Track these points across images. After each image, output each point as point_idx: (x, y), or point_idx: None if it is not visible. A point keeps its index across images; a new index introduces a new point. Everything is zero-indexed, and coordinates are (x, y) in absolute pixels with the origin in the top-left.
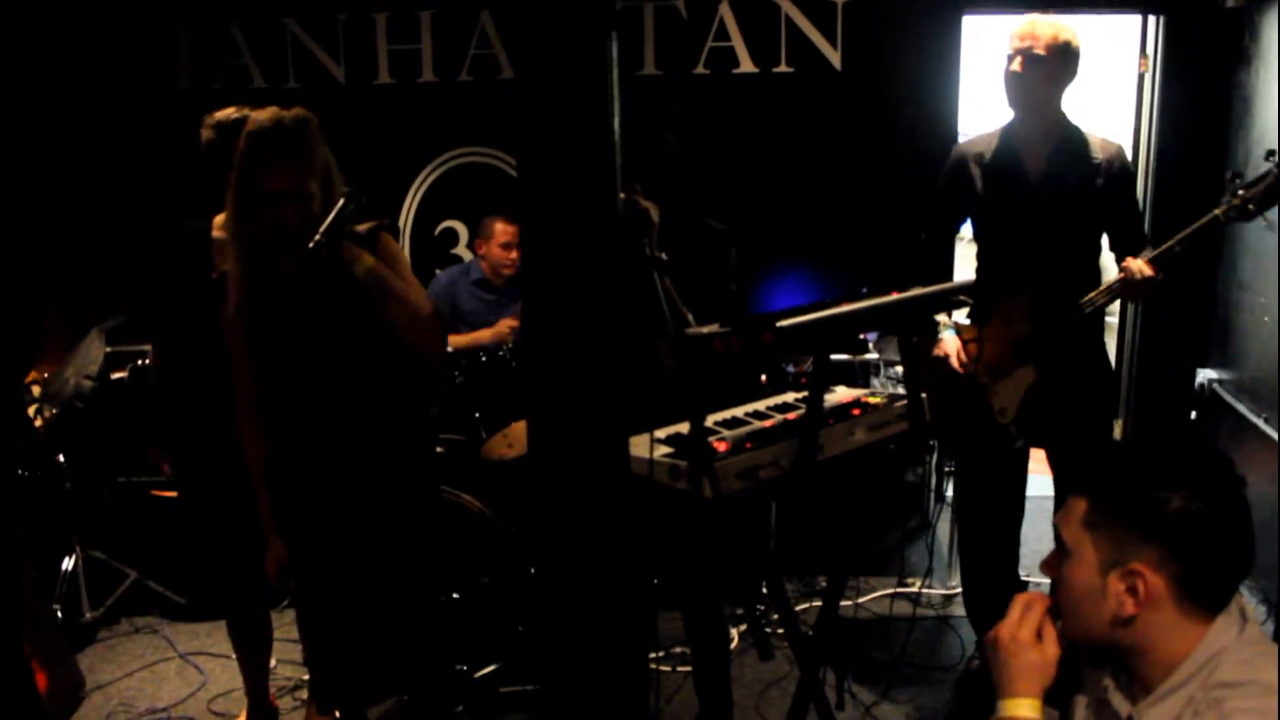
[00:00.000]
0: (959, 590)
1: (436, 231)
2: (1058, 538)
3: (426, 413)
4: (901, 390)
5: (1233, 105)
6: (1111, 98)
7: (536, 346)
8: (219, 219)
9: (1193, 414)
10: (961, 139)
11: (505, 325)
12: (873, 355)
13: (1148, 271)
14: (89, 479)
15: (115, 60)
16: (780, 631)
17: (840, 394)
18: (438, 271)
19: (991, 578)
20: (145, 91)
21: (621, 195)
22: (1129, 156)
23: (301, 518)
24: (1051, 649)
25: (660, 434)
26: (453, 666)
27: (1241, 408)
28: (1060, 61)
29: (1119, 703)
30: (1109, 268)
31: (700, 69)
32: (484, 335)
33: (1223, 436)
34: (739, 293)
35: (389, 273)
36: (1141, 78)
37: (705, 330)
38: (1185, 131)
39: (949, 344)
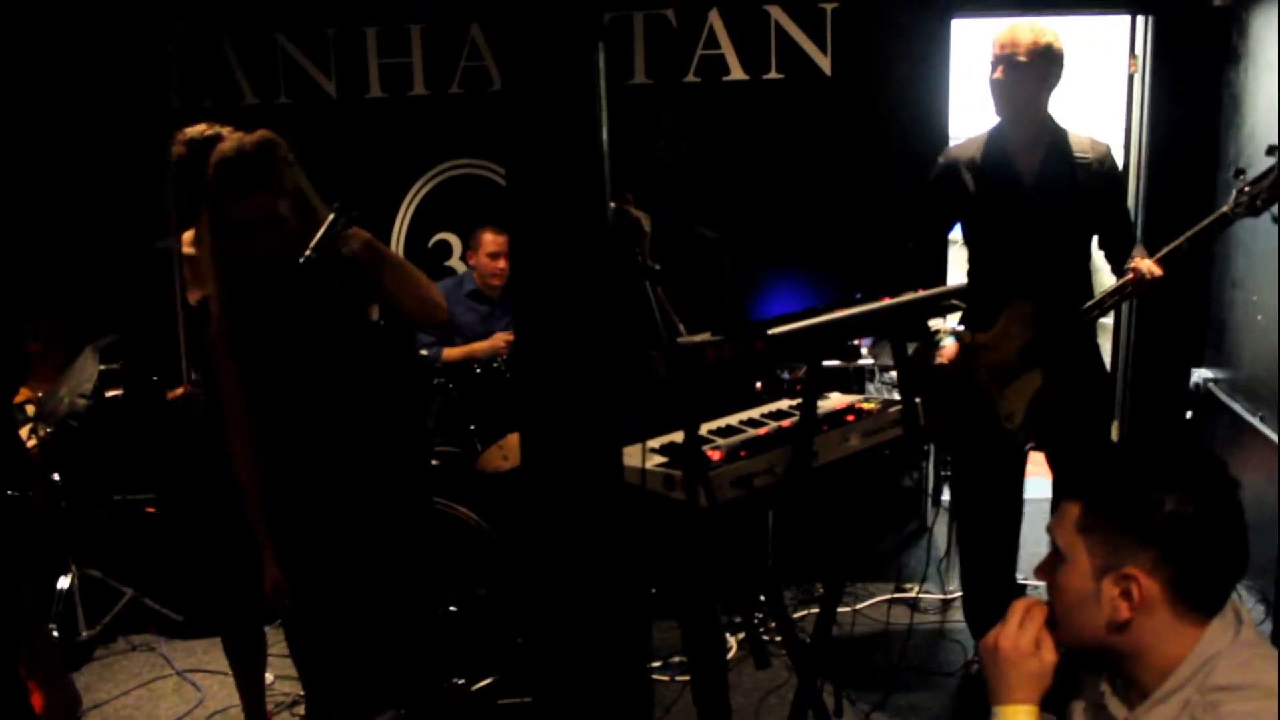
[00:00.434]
0: (957, 595)
1: (430, 244)
2: (1052, 543)
3: (422, 425)
4: (896, 395)
5: (1222, 104)
6: (1101, 99)
7: (528, 357)
8: (188, 235)
9: (1188, 414)
10: (951, 143)
11: (501, 339)
12: (867, 361)
13: (1157, 271)
14: (84, 497)
15: (107, 78)
16: (778, 639)
17: (834, 400)
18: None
19: (990, 582)
20: (136, 109)
21: (612, 205)
22: (1119, 157)
23: (297, 533)
24: (1049, 655)
25: (654, 443)
26: (450, 679)
27: (1237, 407)
28: (1043, 65)
29: (1115, 708)
30: (1100, 269)
31: (691, 77)
32: (479, 348)
33: (1218, 436)
34: (732, 300)
35: (381, 245)
36: (1131, 78)
37: (697, 339)
38: (1176, 131)
39: (951, 351)
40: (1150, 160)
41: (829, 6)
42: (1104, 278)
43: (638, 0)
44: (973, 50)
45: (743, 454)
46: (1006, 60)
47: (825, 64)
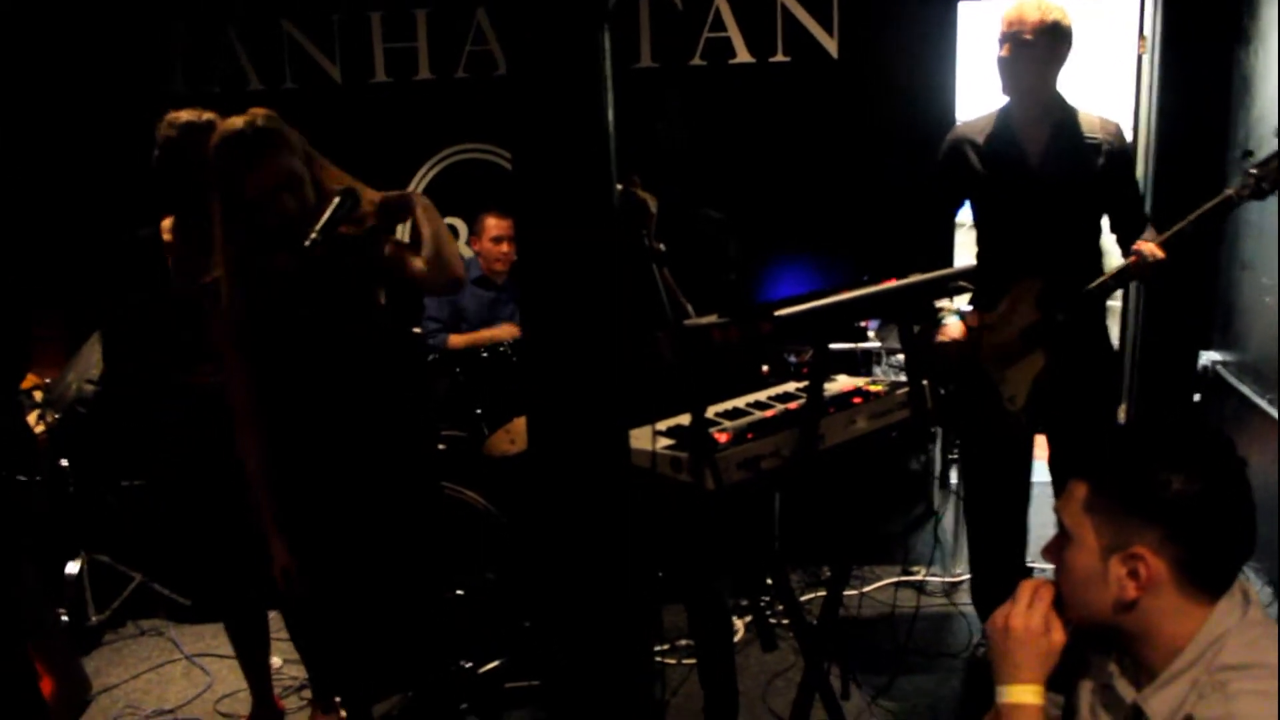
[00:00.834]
0: (964, 578)
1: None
2: (1059, 523)
3: (429, 406)
4: (903, 378)
5: (1232, 85)
6: (1111, 79)
7: (535, 341)
8: (167, 223)
9: (1196, 396)
10: (959, 122)
11: (507, 331)
12: (874, 343)
13: (1159, 254)
14: (92, 483)
15: (112, 64)
16: (785, 622)
17: (841, 382)
18: None
19: (998, 564)
20: (142, 95)
21: (619, 187)
22: (1128, 137)
23: (305, 518)
24: (1057, 635)
25: (661, 426)
26: (457, 663)
27: (1245, 389)
28: (1050, 43)
29: (1124, 688)
30: (1110, 250)
31: (697, 60)
32: (484, 337)
33: (1226, 418)
34: (738, 282)
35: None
36: (1140, 59)
37: (704, 321)
38: (1185, 112)
39: (954, 329)
40: (1159, 141)
41: None
42: (1114, 259)
43: None
44: (980, 33)
45: (749, 436)
46: (1013, 38)
47: (832, 46)
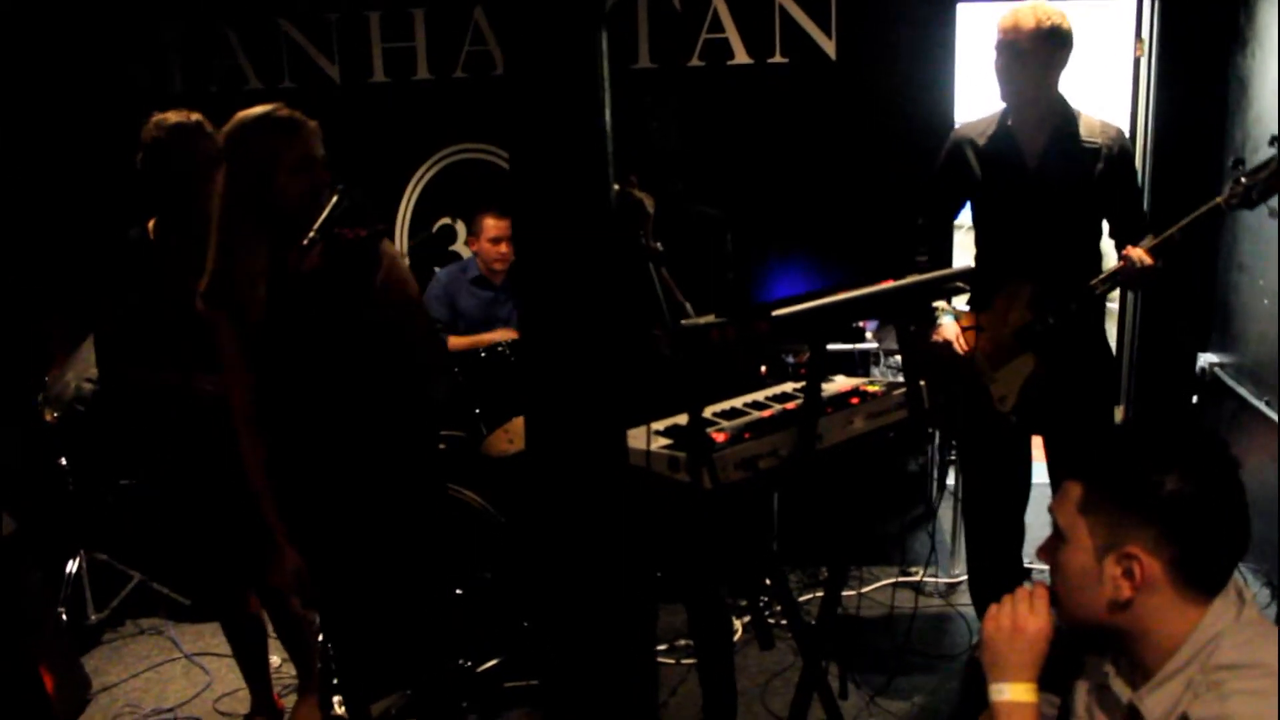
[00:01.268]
0: (962, 579)
1: (434, 229)
2: (1054, 523)
3: (430, 406)
4: (901, 379)
5: (1229, 88)
6: (1108, 82)
7: (532, 341)
8: (152, 223)
9: (1194, 398)
10: (961, 122)
11: (505, 335)
12: (872, 344)
13: (1148, 260)
14: (91, 481)
15: (111, 63)
16: (783, 622)
17: (839, 383)
18: (436, 270)
19: (997, 564)
20: (140, 94)
21: (615, 187)
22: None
23: (306, 517)
24: (1047, 634)
25: (658, 425)
26: (456, 662)
27: (1243, 391)
28: (1048, 48)
29: (1120, 688)
30: (1109, 253)
31: (695, 61)
32: (482, 340)
33: (1224, 420)
34: (736, 280)
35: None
36: (1137, 62)
37: (702, 321)
38: (1182, 115)
39: (948, 329)
40: (1156, 144)
41: None
42: (1113, 263)
43: None
44: (978, 34)
45: (747, 436)
46: (1010, 47)
47: (830, 48)
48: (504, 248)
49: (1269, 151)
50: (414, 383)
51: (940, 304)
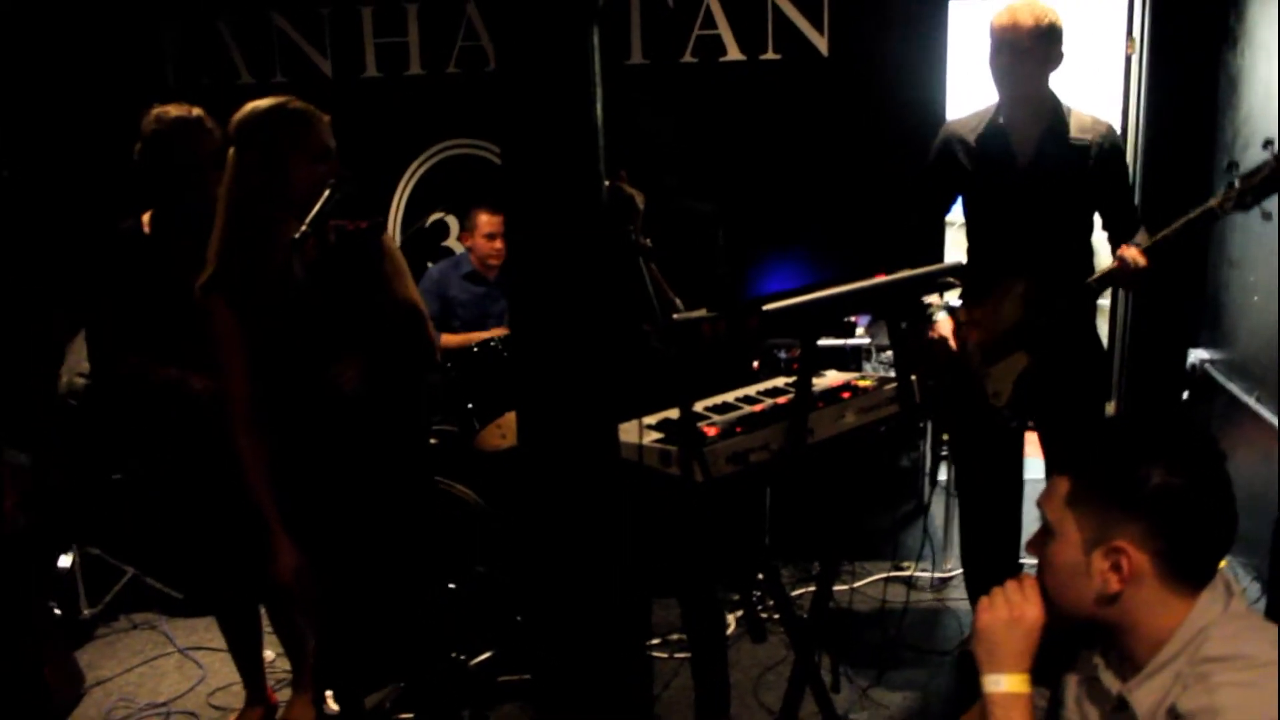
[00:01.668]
0: (954, 573)
1: (427, 224)
2: (1042, 517)
3: (421, 399)
4: (892, 374)
5: (1219, 86)
6: (1099, 80)
7: (524, 336)
8: (147, 216)
9: (1185, 394)
10: (952, 118)
11: (498, 333)
12: (864, 339)
13: (1142, 261)
14: (84, 476)
15: (103, 57)
16: (776, 617)
17: (830, 377)
18: (429, 265)
19: (992, 560)
20: (132, 89)
21: (606, 182)
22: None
23: (299, 509)
24: (1039, 624)
25: (650, 420)
26: (449, 656)
27: (1233, 387)
28: (1046, 45)
29: (1109, 680)
30: (1101, 249)
31: (688, 57)
32: (475, 338)
33: (1215, 416)
34: (727, 275)
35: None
36: (1128, 59)
37: (693, 315)
38: (1173, 113)
39: (943, 326)
40: (1147, 142)
41: None
42: (1104, 261)
43: None
44: (970, 31)
45: (738, 430)
46: (1010, 45)
47: (822, 45)
48: (500, 243)
49: (1260, 151)
50: (413, 373)
51: (933, 300)
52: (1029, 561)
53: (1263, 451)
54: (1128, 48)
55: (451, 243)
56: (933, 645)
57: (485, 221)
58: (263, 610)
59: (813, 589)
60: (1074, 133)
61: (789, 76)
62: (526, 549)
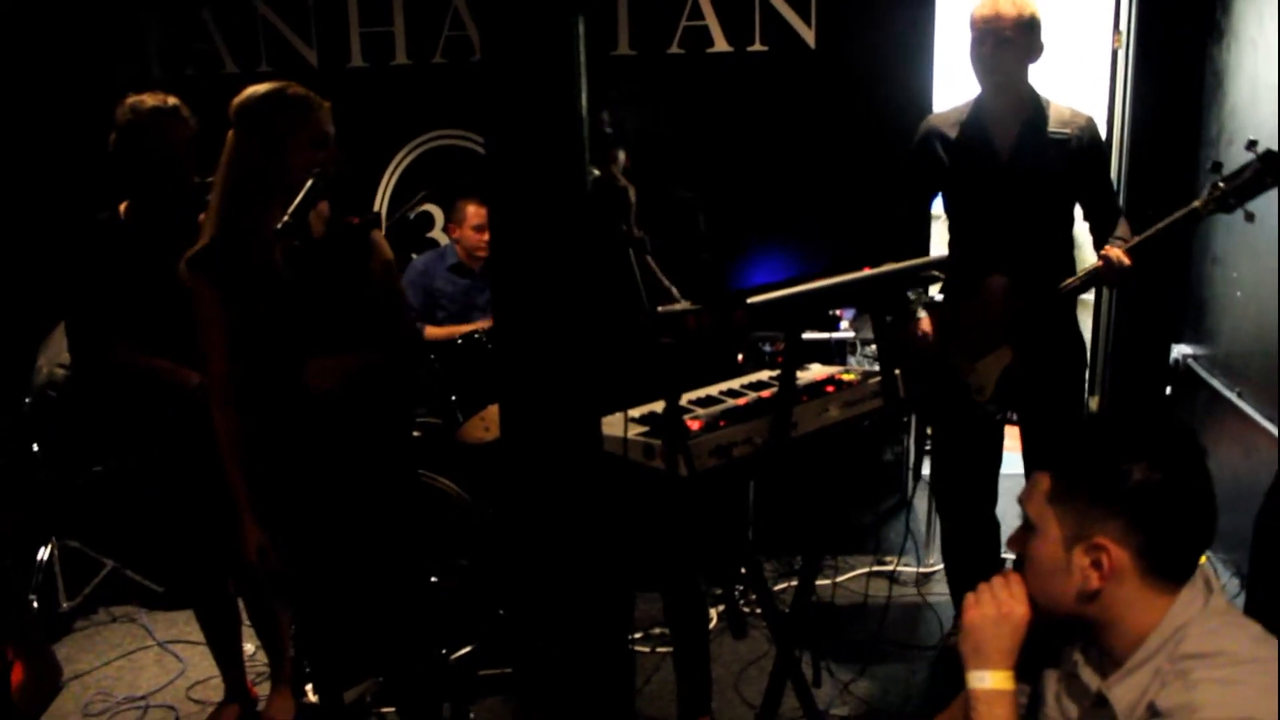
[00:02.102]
0: (936, 568)
1: (412, 215)
2: (1023, 514)
3: (405, 394)
4: (877, 367)
5: (1205, 81)
6: (1085, 74)
7: (508, 328)
8: (124, 206)
9: (1168, 390)
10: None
11: (481, 327)
12: (848, 333)
13: (1125, 261)
14: (64, 468)
15: (87, 47)
16: (758, 611)
17: (815, 371)
18: (414, 256)
19: (973, 554)
20: (116, 79)
21: (597, 173)
22: (1103, 131)
23: (280, 500)
24: (1025, 622)
25: (634, 413)
26: (430, 649)
27: (1216, 383)
28: (1028, 38)
29: (1088, 676)
30: (1082, 241)
31: (674, 49)
32: (460, 331)
33: (1197, 412)
34: (711, 261)
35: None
36: (1115, 54)
37: (678, 308)
38: (1159, 107)
39: (926, 321)
40: (1133, 136)
41: None
42: (1087, 253)
43: None
44: (957, 23)
45: (722, 424)
46: (993, 35)
47: (809, 36)
48: (488, 235)
49: (1245, 149)
50: (393, 371)
51: (916, 294)
52: (1010, 556)
53: (1244, 447)
54: (1115, 41)
55: (436, 234)
56: (915, 640)
57: (474, 213)
58: (241, 604)
59: (795, 583)
60: (1053, 126)
61: (776, 68)
62: (509, 542)
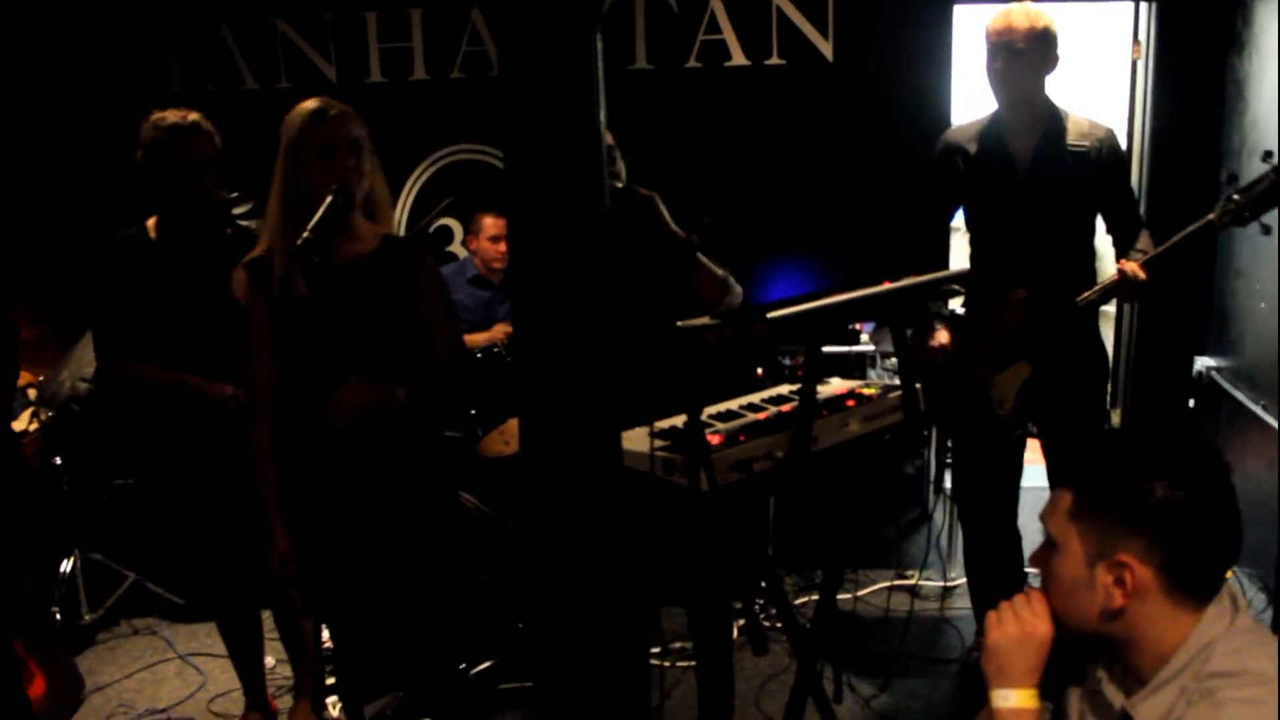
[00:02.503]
0: (958, 582)
1: (431, 229)
2: (1045, 532)
3: (442, 419)
4: (897, 381)
5: (1226, 91)
6: (1105, 85)
7: (527, 343)
8: (151, 222)
9: (1191, 402)
10: (951, 126)
11: (500, 331)
12: (869, 347)
13: (1141, 275)
14: (86, 481)
15: (108, 63)
16: (778, 626)
17: (835, 385)
18: None
19: (995, 567)
20: (138, 94)
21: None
22: (1123, 142)
23: (310, 515)
24: (1049, 639)
25: (655, 427)
26: (450, 663)
27: (1239, 395)
28: (1042, 50)
29: (1112, 694)
30: (1103, 253)
31: (692, 62)
32: (479, 339)
33: (1220, 424)
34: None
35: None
36: (1134, 64)
37: (697, 322)
38: (1179, 118)
39: (945, 334)
40: (1153, 147)
41: None
42: (1107, 264)
43: None
44: (975, 36)
45: (742, 438)
46: (1006, 48)
47: (827, 49)
48: (504, 246)
49: (1262, 163)
50: (432, 394)
51: (935, 306)
52: (1033, 570)
53: (1269, 460)
54: (1134, 52)
55: (455, 248)
56: (937, 654)
57: (490, 224)
58: (265, 617)
59: (816, 597)
60: (1072, 138)
61: (794, 82)
62: (529, 556)
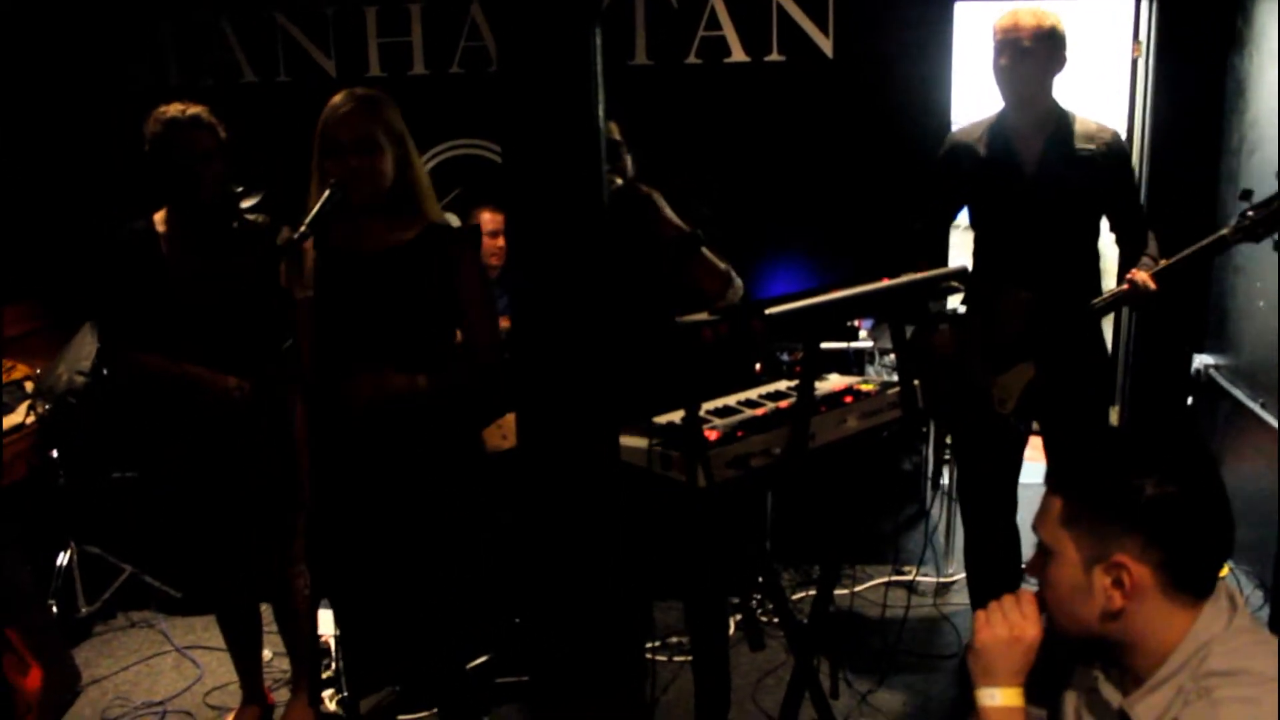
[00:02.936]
0: (955, 578)
1: None
2: (1038, 539)
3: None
4: (895, 378)
5: (1226, 90)
6: (1106, 83)
7: (525, 337)
8: (159, 215)
9: (1189, 400)
10: (954, 127)
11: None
12: (867, 343)
13: (1151, 285)
14: (83, 474)
15: (105, 56)
16: (775, 621)
17: (833, 381)
18: None
19: (994, 565)
20: (136, 87)
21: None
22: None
23: (333, 494)
24: (1034, 639)
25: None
26: (447, 658)
27: (1238, 393)
28: (1049, 48)
29: (1110, 694)
30: (1107, 254)
31: (692, 59)
32: None
33: (1219, 422)
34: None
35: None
36: (1135, 63)
37: (695, 318)
38: (1179, 117)
39: (947, 334)
40: (1153, 146)
41: None
42: (1109, 264)
43: None
44: (975, 33)
45: (739, 434)
46: (1012, 45)
47: (827, 46)
48: (502, 241)
49: (1269, 166)
50: (468, 384)
51: (935, 304)
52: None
53: (1267, 457)
54: (1135, 51)
55: None
56: (933, 650)
57: (488, 219)
58: (264, 610)
59: (813, 593)
60: (1079, 141)
61: (794, 78)
62: (526, 551)
